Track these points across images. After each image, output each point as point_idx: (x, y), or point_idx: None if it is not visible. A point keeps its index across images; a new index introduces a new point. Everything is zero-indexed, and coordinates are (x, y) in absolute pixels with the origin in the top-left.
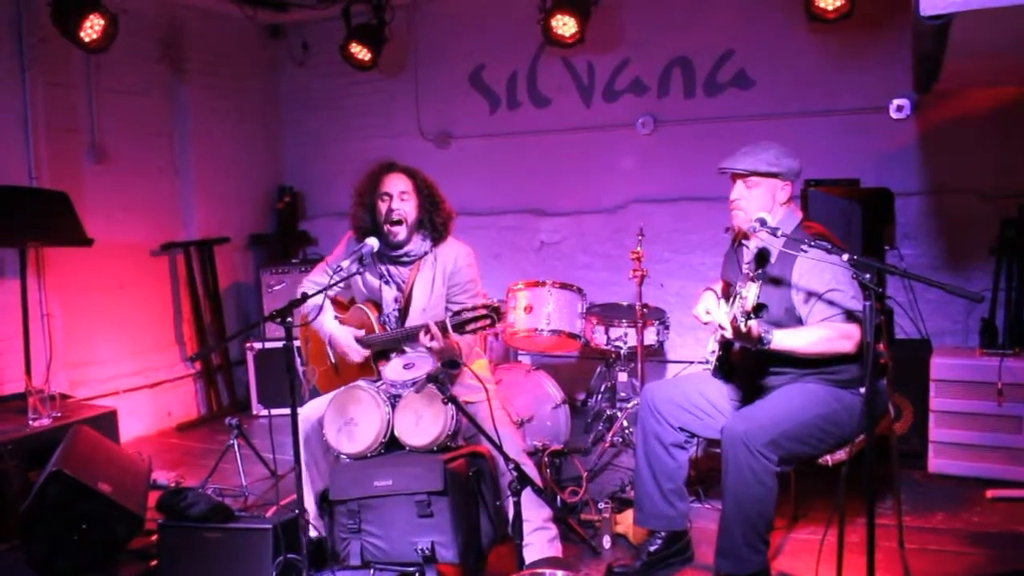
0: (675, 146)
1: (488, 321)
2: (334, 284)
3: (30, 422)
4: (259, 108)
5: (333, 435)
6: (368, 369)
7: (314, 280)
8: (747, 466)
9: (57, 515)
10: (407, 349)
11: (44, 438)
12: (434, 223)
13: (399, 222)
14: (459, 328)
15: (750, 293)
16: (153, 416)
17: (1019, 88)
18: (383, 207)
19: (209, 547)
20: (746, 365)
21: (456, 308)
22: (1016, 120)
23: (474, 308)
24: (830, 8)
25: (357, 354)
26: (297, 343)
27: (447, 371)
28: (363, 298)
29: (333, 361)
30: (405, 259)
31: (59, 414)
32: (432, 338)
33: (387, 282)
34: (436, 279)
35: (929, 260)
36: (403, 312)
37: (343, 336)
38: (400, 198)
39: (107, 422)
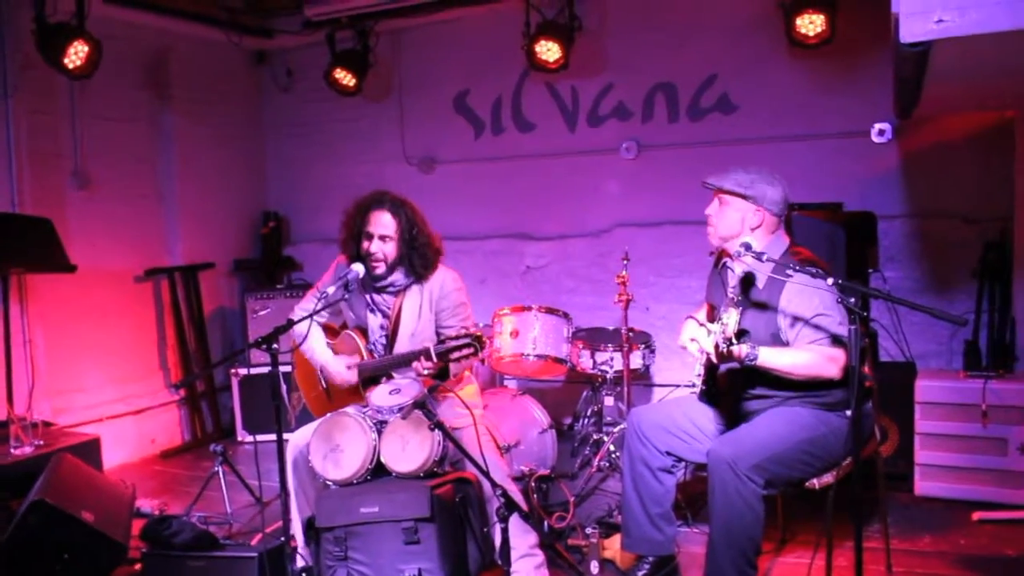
0: (659, 170)
1: (471, 350)
2: (319, 310)
3: (12, 450)
4: (243, 134)
5: (319, 462)
6: (360, 393)
7: (304, 307)
8: (734, 490)
9: (39, 545)
10: (394, 375)
11: (26, 466)
12: (414, 265)
13: (379, 261)
14: (442, 357)
15: (731, 320)
16: (137, 443)
17: (998, 112)
18: (365, 244)
19: None
20: (733, 389)
21: (446, 331)
22: (996, 144)
23: (457, 337)
24: (811, 34)
25: (346, 383)
26: (286, 369)
27: (432, 396)
28: (353, 324)
29: (324, 386)
30: (390, 289)
31: (41, 442)
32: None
33: (372, 310)
34: (423, 305)
35: (913, 283)
36: (390, 339)
37: (335, 367)
38: (381, 240)
39: (90, 450)
